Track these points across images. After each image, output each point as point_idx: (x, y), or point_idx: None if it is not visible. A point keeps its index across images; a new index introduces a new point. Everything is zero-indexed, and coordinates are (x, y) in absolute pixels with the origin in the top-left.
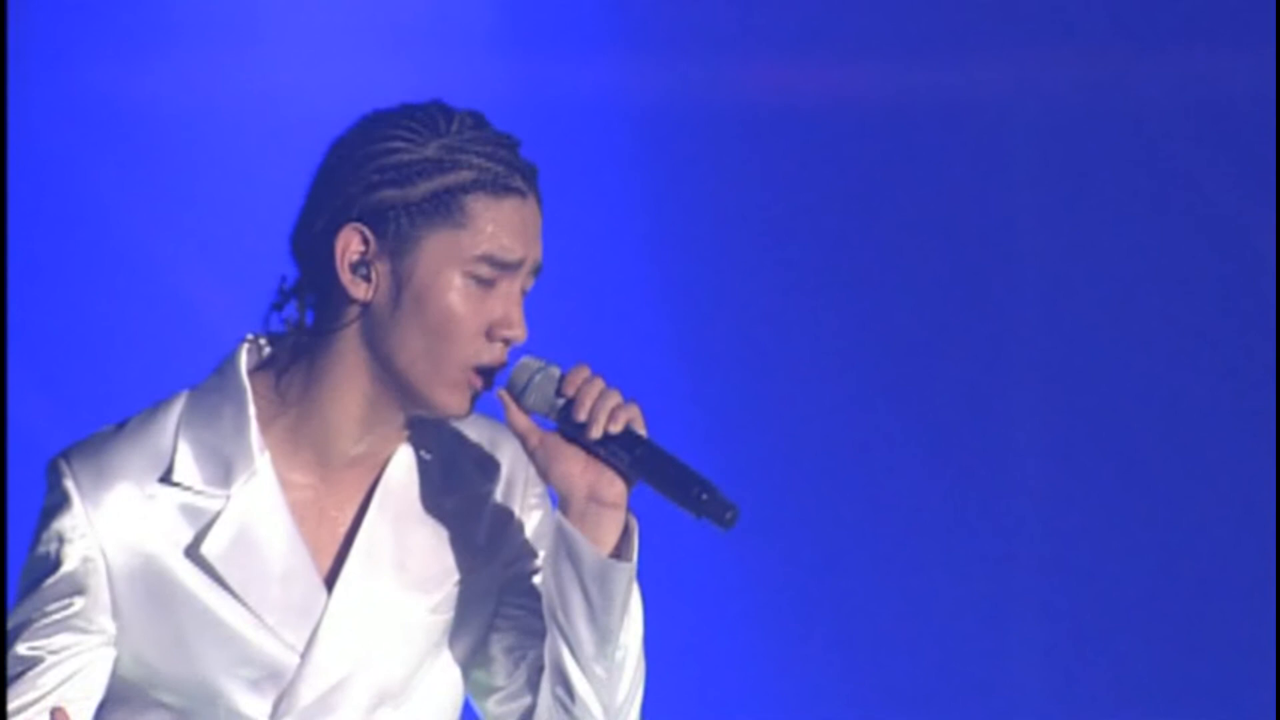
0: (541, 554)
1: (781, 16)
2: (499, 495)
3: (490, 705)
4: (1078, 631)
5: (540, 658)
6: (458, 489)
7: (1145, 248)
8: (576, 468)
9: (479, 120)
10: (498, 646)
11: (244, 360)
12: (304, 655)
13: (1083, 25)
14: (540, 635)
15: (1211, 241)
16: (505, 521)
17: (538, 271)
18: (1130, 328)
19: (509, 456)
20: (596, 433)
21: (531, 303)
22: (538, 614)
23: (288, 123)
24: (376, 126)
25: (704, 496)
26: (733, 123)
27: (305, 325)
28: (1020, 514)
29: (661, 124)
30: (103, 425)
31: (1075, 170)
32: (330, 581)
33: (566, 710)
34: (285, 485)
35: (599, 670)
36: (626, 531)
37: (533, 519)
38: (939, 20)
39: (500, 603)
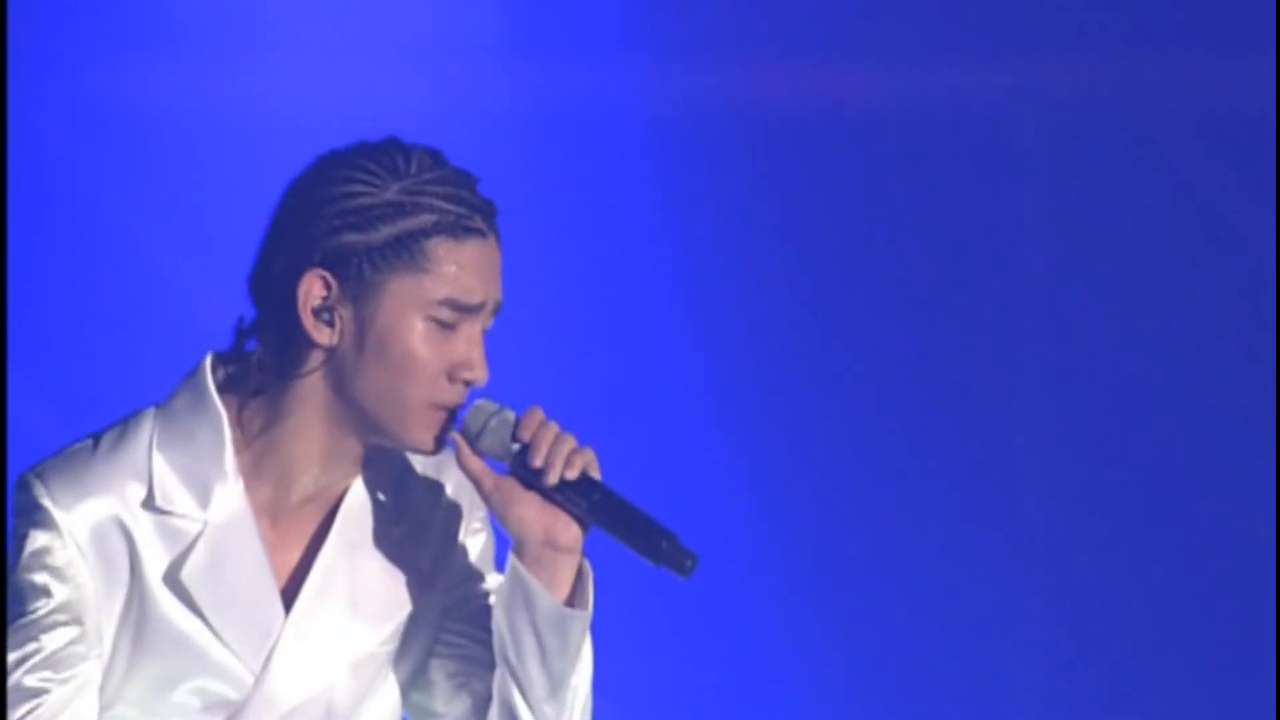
0: (487, 579)
1: (793, 22)
2: (444, 520)
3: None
4: (1081, 634)
5: (480, 686)
6: (406, 517)
7: (1147, 251)
8: (532, 512)
9: (437, 158)
10: (439, 672)
11: (211, 380)
12: (258, 681)
13: (1084, 30)
14: (480, 663)
15: (1212, 245)
16: (449, 546)
17: (497, 311)
18: (1132, 331)
19: (453, 481)
20: (553, 479)
21: (545, 306)
22: (478, 641)
23: (295, 128)
24: (335, 169)
25: (664, 545)
26: (744, 127)
27: (267, 362)
28: (1024, 517)
29: (674, 129)
30: (102, 427)
31: (1078, 174)
32: (286, 607)
33: None
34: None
35: (548, 710)
36: (581, 576)
37: (476, 543)
38: (943, 26)
39: (441, 628)
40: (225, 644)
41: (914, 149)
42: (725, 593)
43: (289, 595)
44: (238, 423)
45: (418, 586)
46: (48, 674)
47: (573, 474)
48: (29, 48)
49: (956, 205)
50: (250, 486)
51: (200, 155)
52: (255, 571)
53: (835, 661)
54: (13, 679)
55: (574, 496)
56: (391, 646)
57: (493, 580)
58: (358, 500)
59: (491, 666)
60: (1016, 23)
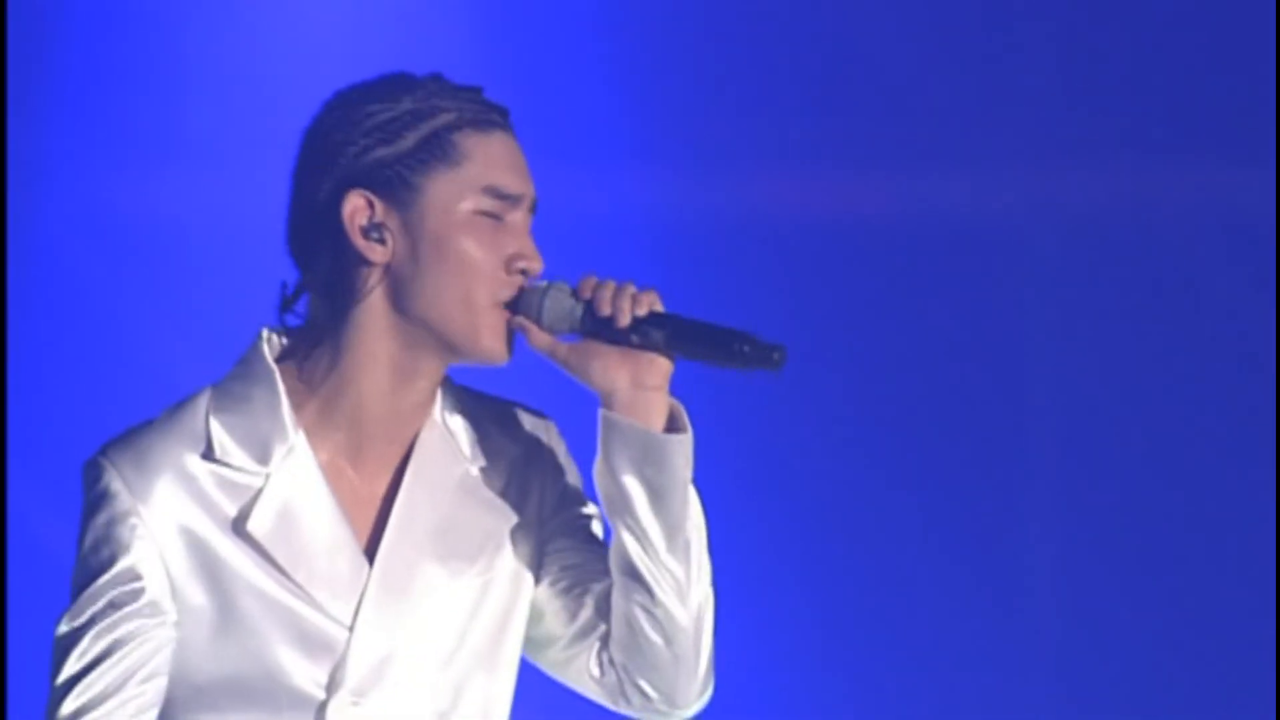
0: (586, 506)
1: (800, 129)
2: (526, 458)
3: (555, 654)
4: (1081, 639)
5: (602, 588)
6: (485, 456)
7: (1152, 355)
8: (614, 360)
9: (440, 77)
10: (554, 592)
11: (267, 349)
12: (352, 629)
13: (1088, 139)
14: (593, 568)
15: (1213, 347)
16: (536, 480)
17: (534, 208)
18: (1137, 433)
19: (529, 422)
20: (624, 320)
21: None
22: (588, 552)
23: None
24: (343, 102)
25: (746, 349)
26: (753, 234)
27: (321, 306)
28: (1026, 523)
29: (688, 237)
30: None
31: (1083, 281)
32: (370, 555)
33: (649, 613)
34: (322, 463)
35: (670, 562)
36: (674, 411)
37: (563, 473)
38: (946, 135)
39: (545, 555)
40: (311, 597)
41: (920, 256)
42: (727, 597)
43: (374, 536)
44: (300, 380)
45: (507, 520)
46: (108, 638)
47: (642, 311)
48: (32, 154)
49: (964, 311)
50: (321, 434)
51: (204, 260)
52: (330, 523)
53: (831, 671)
54: (74, 646)
55: (649, 331)
56: (485, 579)
57: (591, 507)
58: (431, 439)
59: (603, 567)
60: (1022, 132)
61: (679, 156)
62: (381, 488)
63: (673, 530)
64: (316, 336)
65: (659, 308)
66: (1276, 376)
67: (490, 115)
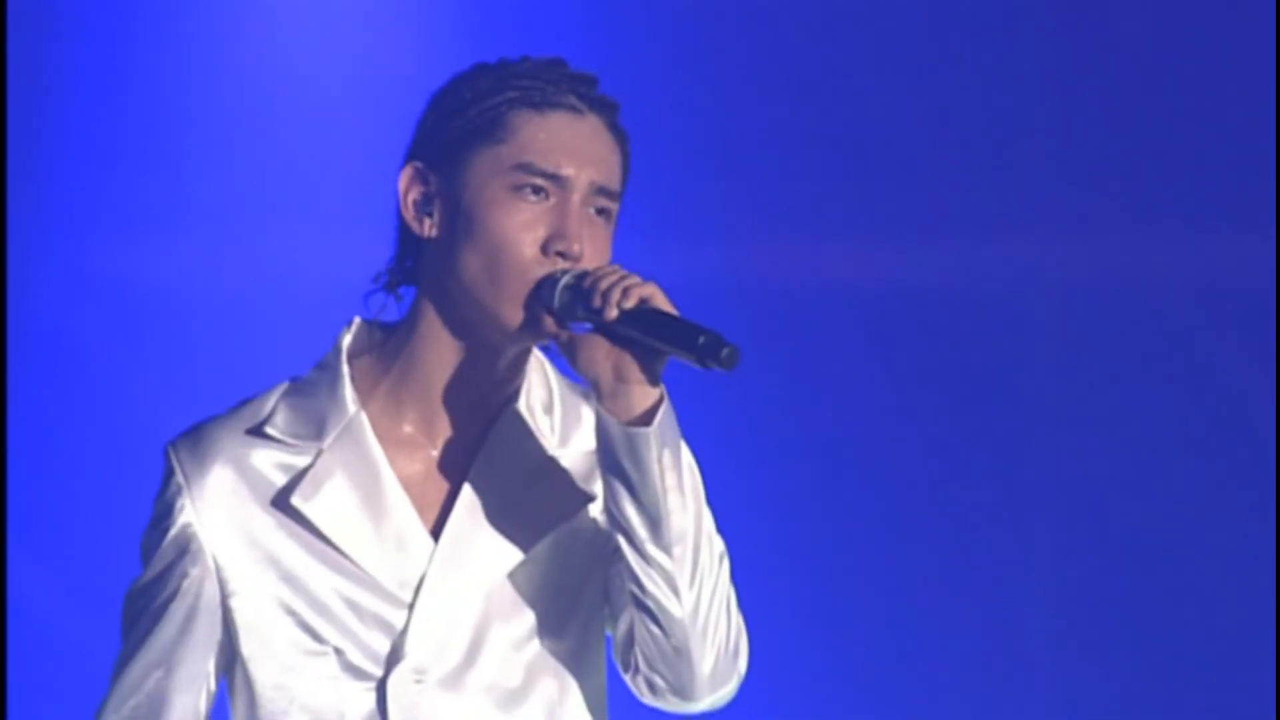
0: None
1: (804, 200)
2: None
3: (615, 632)
4: (1083, 643)
5: None
6: (569, 441)
7: (1149, 420)
8: (600, 353)
9: (556, 60)
10: (610, 587)
11: (346, 341)
12: (412, 607)
13: (1086, 207)
14: None
15: (1214, 411)
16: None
17: (610, 195)
18: (1138, 511)
19: None
20: (611, 313)
21: None
22: None
23: (296, 301)
24: (450, 81)
25: (700, 340)
26: (757, 304)
27: (396, 281)
28: (1027, 522)
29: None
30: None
31: (1083, 351)
32: (437, 534)
33: (641, 605)
34: (393, 442)
35: (656, 554)
36: (656, 407)
37: None
38: (944, 205)
39: (610, 546)
40: (368, 574)
41: (918, 326)
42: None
43: (443, 513)
44: (378, 363)
45: (579, 504)
46: (149, 621)
47: (630, 304)
48: (31, 225)
49: (962, 380)
50: (394, 410)
51: (202, 332)
52: (388, 500)
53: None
54: (129, 625)
55: (632, 325)
56: (556, 560)
57: None
58: (513, 418)
59: None
60: (1020, 202)
61: (674, 224)
62: (458, 465)
63: (654, 522)
64: (391, 329)
65: (660, 301)
66: (1277, 439)
67: (559, 96)
